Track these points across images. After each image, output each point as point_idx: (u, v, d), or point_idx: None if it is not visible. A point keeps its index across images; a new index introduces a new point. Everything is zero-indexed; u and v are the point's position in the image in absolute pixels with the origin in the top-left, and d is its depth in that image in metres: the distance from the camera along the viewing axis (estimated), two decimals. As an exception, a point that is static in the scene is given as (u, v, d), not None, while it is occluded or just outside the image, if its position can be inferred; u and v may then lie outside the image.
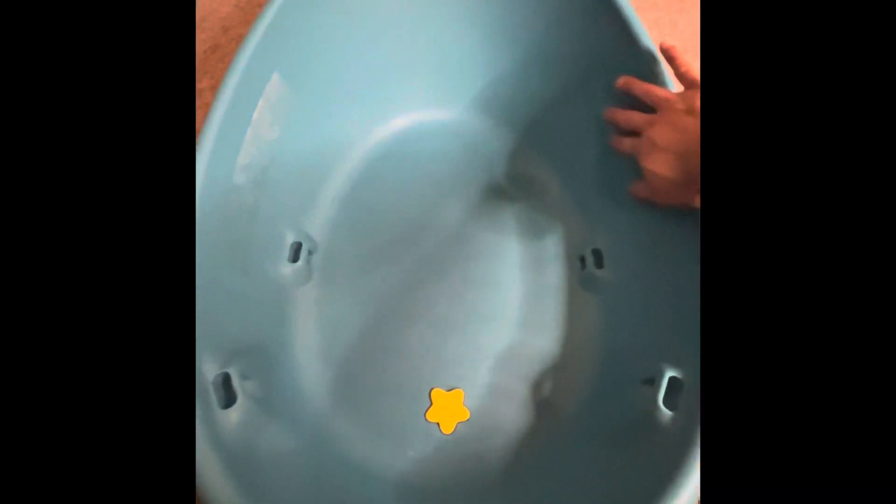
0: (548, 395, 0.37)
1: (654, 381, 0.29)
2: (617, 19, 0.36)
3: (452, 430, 0.36)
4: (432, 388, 0.37)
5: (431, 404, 0.36)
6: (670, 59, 0.34)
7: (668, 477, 0.23)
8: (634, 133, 0.33)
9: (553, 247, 0.42)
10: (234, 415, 0.26)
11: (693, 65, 0.32)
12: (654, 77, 0.34)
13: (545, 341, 0.39)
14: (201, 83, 0.55)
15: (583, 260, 0.41)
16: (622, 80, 0.35)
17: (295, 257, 0.40)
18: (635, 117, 0.34)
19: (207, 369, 0.26)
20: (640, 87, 0.34)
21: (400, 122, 0.47)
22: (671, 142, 0.30)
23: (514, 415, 0.36)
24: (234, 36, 0.58)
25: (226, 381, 0.27)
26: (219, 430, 0.25)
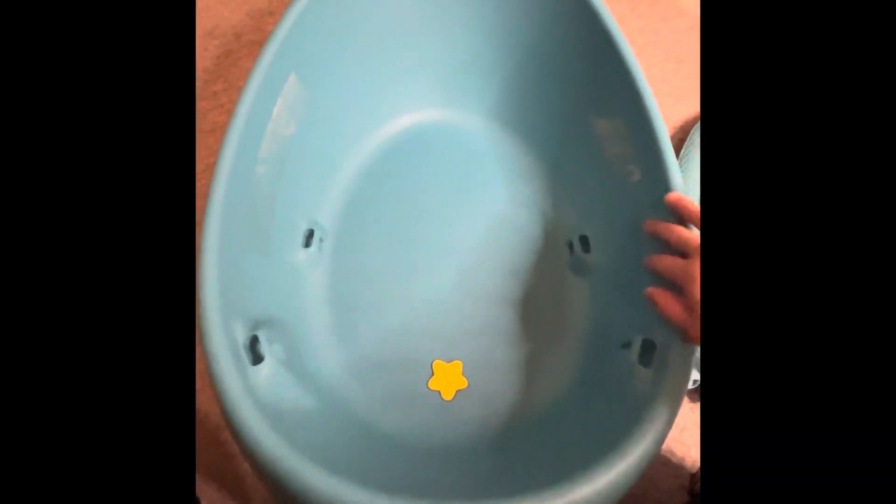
0: (539, 366, 0.41)
1: (630, 345, 0.32)
2: (601, 28, 0.40)
3: (452, 397, 0.39)
4: (434, 360, 0.41)
5: (433, 374, 0.40)
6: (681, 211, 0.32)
7: (641, 416, 0.27)
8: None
9: (544, 233, 0.46)
10: (264, 370, 0.30)
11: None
12: (630, 83, 0.38)
13: (537, 319, 0.43)
14: (216, 86, 0.58)
15: (571, 245, 0.45)
16: (649, 226, 0.33)
17: (307, 243, 0.43)
18: (676, 264, 0.30)
19: (238, 333, 0.30)
20: (671, 233, 0.31)
21: (404, 120, 0.51)
22: None
23: (509, 383, 0.40)
24: (246, 42, 0.62)
25: (254, 342, 0.31)
26: (251, 383, 0.28)
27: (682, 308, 0.28)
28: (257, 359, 0.30)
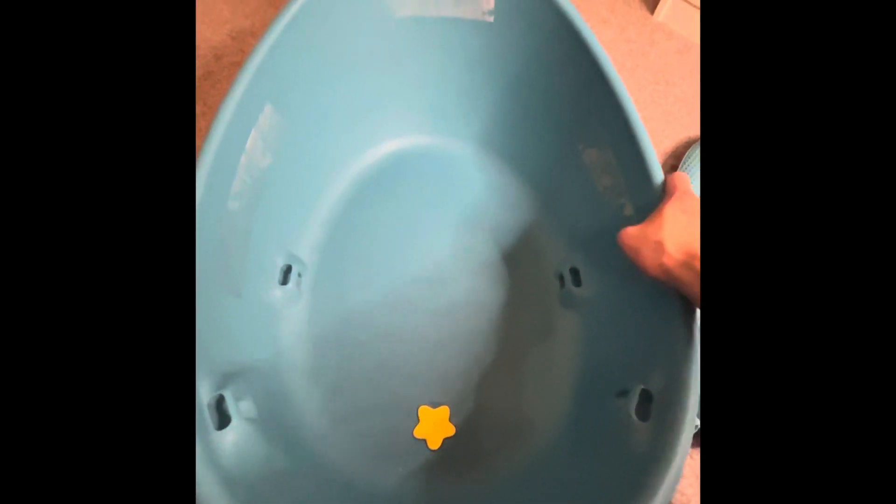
0: (530, 411, 0.39)
1: (626, 394, 0.30)
2: (587, 54, 0.39)
3: (439, 445, 0.37)
4: (420, 406, 0.38)
5: (419, 421, 0.38)
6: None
7: (641, 482, 0.25)
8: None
9: (533, 266, 0.44)
10: (229, 435, 0.27)
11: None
12: (619, 111, 0.36)
13: (527, 357, 0.41)
14: (195, 108, 0.56)
15: (561, 278, 0.43)
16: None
17: (284, 280, 0.41)
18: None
19: (203, 392, 0.28)
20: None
21: (387, 147, 0.49)
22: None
23: (498, 430, 0.38)
24: (227, 64, 0.60)
25: (220, 402, 0.28)
26: (215, 449, 0.26)
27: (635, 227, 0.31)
28: (223, 420, 0.28)
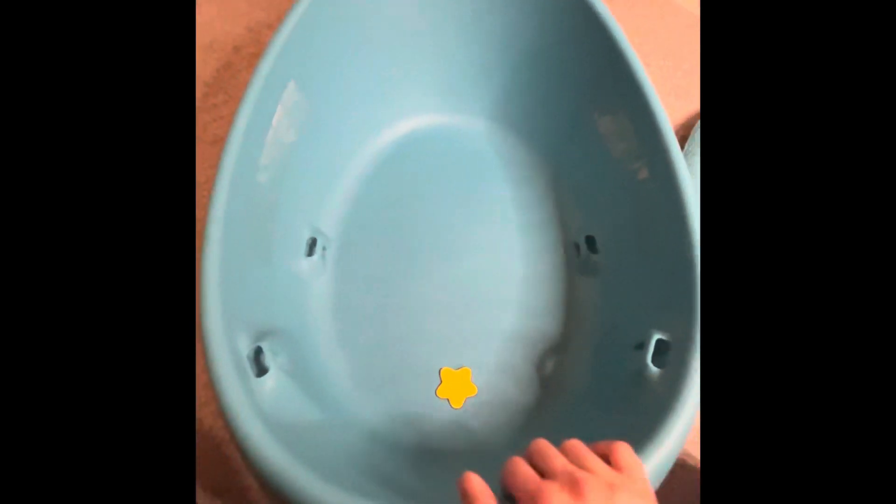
0: (550, 372, 0.40)
1: (643, 346, 0.31)
2: (599, 25, 0.40)
3: (461, 405, 0.38)
4: (441, 368, 0.40)
5: (441, 382, 0.39)
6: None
7: (658, 424, 0.26)
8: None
9: (550, 236, 0.46)
10: (268, 382, 0.29)
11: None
12: (632, 77, 0.37)
13: (546, 323, 0.42)
14: (216, 98, 0.58)
15: (577, 247, 0.44)
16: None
17: (310, 252, 0.43)
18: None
19: (242, 345, 0.29)
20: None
21: (405, 125, 0.51)
22: None
23: (519, 390, 0.39)
24: (245, 55, 0.62)
25: (258, 354, 0.30)
26: (255, 395, 0.27)
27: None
28: (261, 370, 0.30)
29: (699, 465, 0.39)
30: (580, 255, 0.44)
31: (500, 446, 0.37)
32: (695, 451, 0.39)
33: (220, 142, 0.55)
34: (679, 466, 0.39)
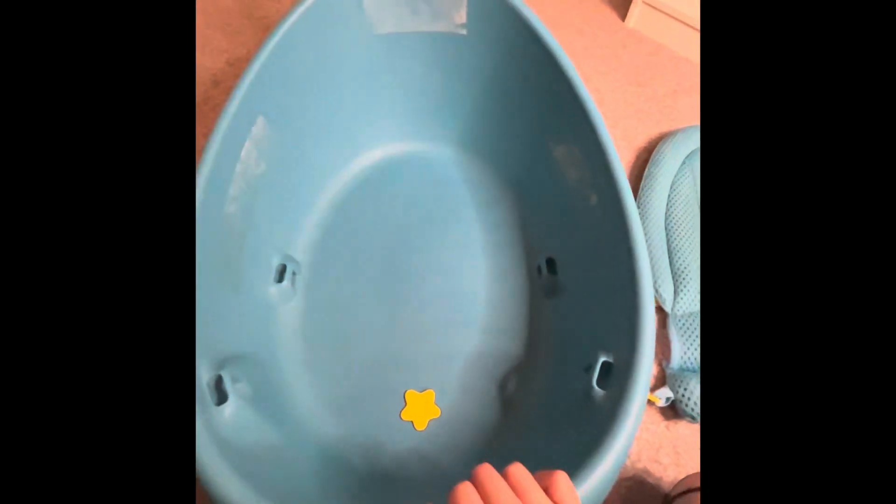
0: (511, 392, 0.41)
1: (591, 367, 0.33)
2: (552, 60, 0.42)
3: (425, 426, 0.39)
4: (406, 390, 0.41)
5: (406, 404, 0.40)
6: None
7: (600, 441, 0.27)
8: None
9: (514, 257, 0.47)
10: (227, 410, 0.30)
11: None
12: (583, 113, 0.39)
13: (509, 344, 0.43)
14: (196, 130, 0.60)
15: (539, 269, 0.46)
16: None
17: (280, 278, 0.44)
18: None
19: (203, 372, 0.30)
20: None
21: (375, 153, 0.53)
22: None
23: (481, 410, 0.40)
24: (225, 89, 0.64)
25: (219, 382, 0.31)
26: (213, 421, 0.28)
27: None
28: (222, 398, 0.31)
29: (659, 483, 0.40)
30: (542, 277, 0.45)
31: (462, 467, 0.38)
32: (654, 470, 0.40)
33: (197, 171, 0.57)
34: (638, 483, 0.40)
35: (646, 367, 0.29)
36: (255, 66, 0.40)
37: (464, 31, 0.47)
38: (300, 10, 0.42)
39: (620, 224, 0.35)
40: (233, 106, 0.39)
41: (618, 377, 0.30)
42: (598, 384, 0.31)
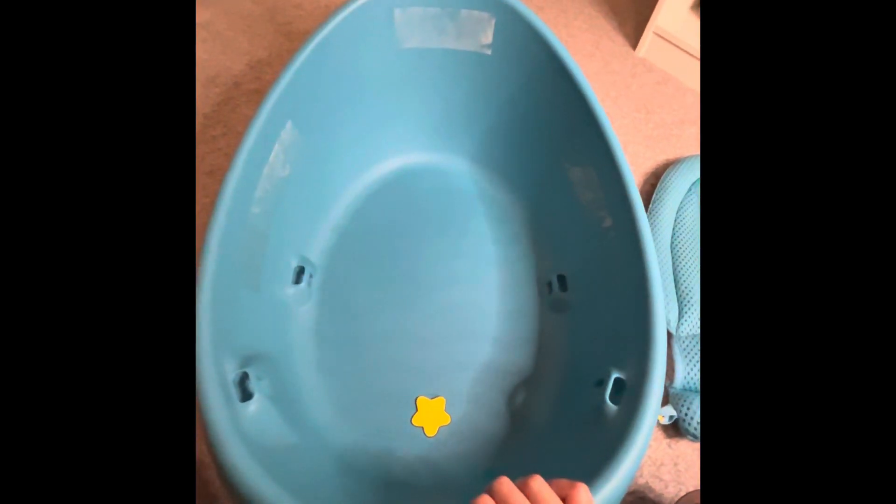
0: (520, 404, 0.42)
1: (603, 383, 0.34)
2: (572, 85, 0.44)
3: (435, 433, 0.40)
4: (417, 396, 0.42)
5: (417, 410, 0.41)
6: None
7: (612, 455, 0.28)
8: None
9: (525, 273, 0.49)
10: (251, 407, 0.31)
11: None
12: (601, 136, 0.41)
13: (519, 356, 0.44)
14: (215, 130, 0.61)
15: (549, 285, 0.47)
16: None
17: (297, 280, 0.45)
18: None
19: (228, 369, 0.31)
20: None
21: (390, 163, 0.54)
22: None
23: (490, 420, 0.41)
24: (245, 91, 0.65)
25: (243, 380, 0.32)
26: (239, 420, 0.29)
27: None
28: (246, 395, 0.31)
29: (660, 499, 0.41)
30: (552, 293, 0.47)
31: (470, 474, 0.38)
32: (656, 486, 0.41)
33: (216, 172, 0.58)
34: (639, 499, 0.41)
35: (657, 386, 0.31)
36: (289, 73, 0.42)
37: (488, 52, 0.49)
38: (335, 21, 0.43)
39: (635, 247, 0.37)
40: (265, 110, 0.40)
41: (629, 394, 0.32)
42: (611, 399, 0.33)
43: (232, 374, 0.31)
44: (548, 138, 0.48)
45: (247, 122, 0.63)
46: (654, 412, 0.30)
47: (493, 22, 0.47)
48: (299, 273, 0.45)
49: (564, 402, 0.40)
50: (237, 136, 0.60)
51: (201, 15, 0.71)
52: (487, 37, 0.48)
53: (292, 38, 0.70)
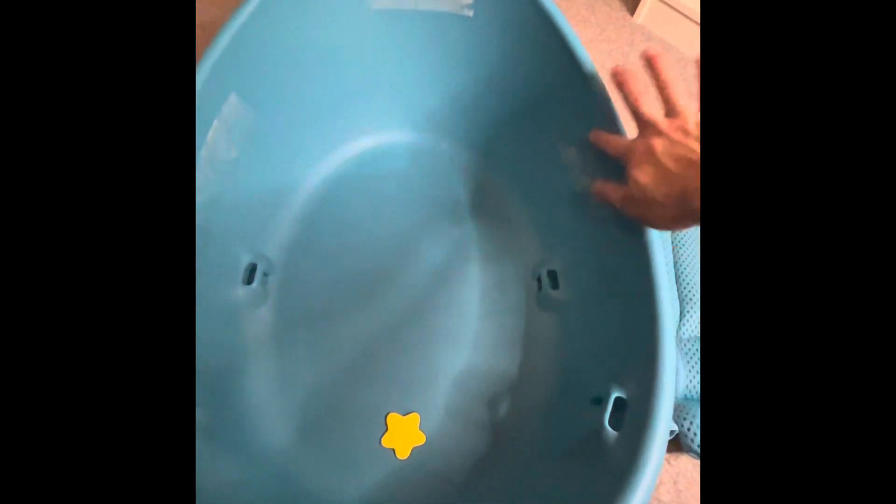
0: (504, 416, 0.37)
1: (601, 401, 0.29)
2: (565, 50, 0.38)
3: (408, 455, 0.35)
4: (388, 413, 0.37)
5: (387, 429, 0.36)
6: (630, 93, 0.32)
7: (613, 496, 0.24)
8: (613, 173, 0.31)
9: (511, 267, 0.43)
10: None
11: (674, 93, 0.30)
12: (599, 101, 0.36)
13: (502, 361, 0.39)
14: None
15: (539, 281, 0.42)
16: (593, 135, 0.34)
17: (249, 279, 0.39)
18: (624, 140, 0.32)
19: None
20: (613, 138, 0.32)
21: (361, 143, 0.47)
22: (669, 156, 0.27)
23: (470, 437, 0.36)
24: (198, 55, 0.57)
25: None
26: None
27: (621, 193, 0.31)
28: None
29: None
30: (541, 290, 0.41)
31: (447, 499, 0.34)
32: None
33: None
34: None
35: (666, 408, 0.26)
36: (228, 34, 0.35)
37: (470, 13, 0.42)
38: (285, -29, 0.36)
39: (637, 241, 0.31)
40: (199, 79, 0.33)
41: (632, 418, 0.27)
42: (610, 424, 0.28)
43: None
44: (539, 113, 0.42)
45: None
46: (663, 439, 0.25)
47: (474, -24, 0.40)
48: (252, 271, 0.39)
49: (555, 416, 0.35)
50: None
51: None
52: (469, -6, 0.41)
53: None
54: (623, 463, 0.24)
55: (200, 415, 0.28)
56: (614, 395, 0.29)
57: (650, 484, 0.24)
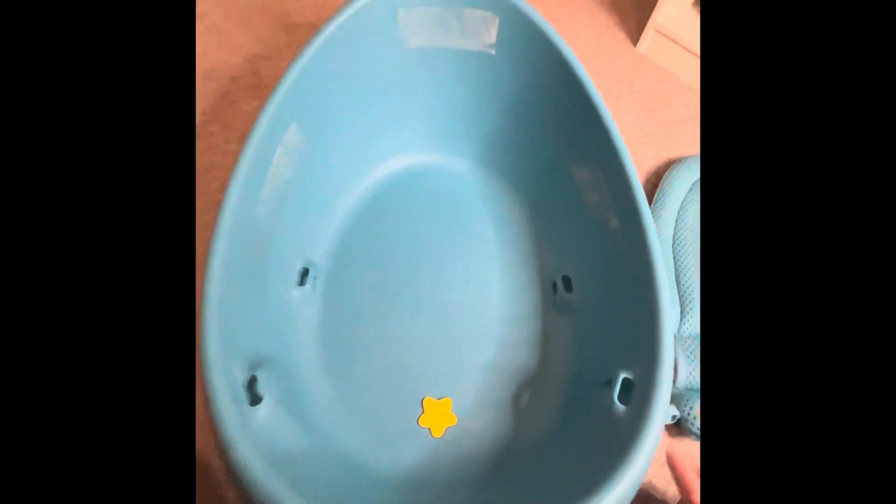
0: (526, 404, 0.42)
1: (611, 383, 0.34)
2: (577, 84, 0.44)
3: (442, 433, 0.40)
4: (424, 398, 0.42)
5: (423, 411, 0.41)
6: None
7: (621, 457, 0.29)
8: None
9: (529, 274, 0.49)
10: (261, 411, 0.31)
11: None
12: (605, 128, 0.41)
13: (523, 358, 0.45)
14: (213, 126, 0.60)
15: (554, 285, 0.47)
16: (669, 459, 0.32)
17: (302, 281, 0.45)
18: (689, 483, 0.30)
19: (237, 373, 0.31)
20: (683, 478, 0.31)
21: (395, 163, 0.54)
22: None
23: (496, 421, 0.41)
24: (243, 85, 0.64)
25: (252, 383, 0.32)
26: (249, 422, 0.29)
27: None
28: (255, 399, 0.31)
29: (664, 496, 0.41)
30: (557, 294, 0.47)
31: (477, 474, 0.39)
32: (660, 484, 0.42)
33: (214, 169, 0.57)
34: (644, 497, 0.41)
35: (666, 383, 0.31)
36: (293, 73, 0.41)
37: (492, 51, 0.48)
38: (339, 19, 0.43)
39: (641, 249, 0.37)
40: (269, 111, 0.40)
41: (638, 394, 0.32)
42: (620, 399, 0.33)
43: (241, 377, 0.31)
44: (552, 139, 0.48)
45: (245, 118, 0.63)
46: (663, 408, 0.30)
47: (496, 21, 0.46)
48: (304, 275, 0.45)
49: (571, 402, 0.40)
50: (235, 133, 0.59)
51: (197, 7, 0.69)
52: (491, 36, 0.48)
53: (290, 31, 0.69)
54: (632, 427, 0.29)
55: (275, 389, 0.33)
56: (622, 376, 0.34)
57: (655, 439, 0.29)
